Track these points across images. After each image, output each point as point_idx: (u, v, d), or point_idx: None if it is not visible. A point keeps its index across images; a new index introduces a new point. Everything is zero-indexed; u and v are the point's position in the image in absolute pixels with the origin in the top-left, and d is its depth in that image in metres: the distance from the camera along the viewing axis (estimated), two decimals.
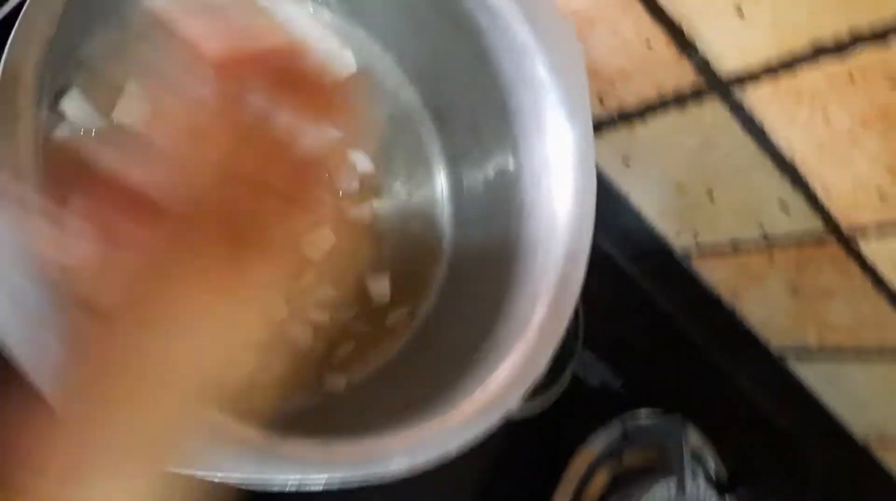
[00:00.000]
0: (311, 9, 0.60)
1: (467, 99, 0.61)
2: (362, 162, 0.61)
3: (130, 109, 0.53)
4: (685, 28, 0.64)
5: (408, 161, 0.64)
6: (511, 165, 0.58)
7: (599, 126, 0.79)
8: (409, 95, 0.64)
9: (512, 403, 0.47)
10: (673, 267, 0.87)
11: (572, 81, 0.54)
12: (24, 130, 0.37)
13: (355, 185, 0.60)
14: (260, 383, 0.31)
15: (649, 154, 0.79)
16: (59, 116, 0.51)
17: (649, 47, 0.68)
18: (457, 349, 0.53)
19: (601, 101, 0.76)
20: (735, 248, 0.84)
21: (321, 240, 0.52)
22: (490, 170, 0.60)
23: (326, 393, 0.54)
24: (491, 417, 0.46)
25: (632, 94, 0.74)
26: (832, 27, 0.57)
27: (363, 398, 0.55)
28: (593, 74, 0.74)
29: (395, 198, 0.63)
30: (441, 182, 0.65)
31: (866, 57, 0.57)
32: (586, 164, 0.55)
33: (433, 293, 0.62)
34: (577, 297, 0.51)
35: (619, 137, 0.79)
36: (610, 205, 0.85)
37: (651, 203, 0.85)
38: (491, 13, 0.54)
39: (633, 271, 0.87)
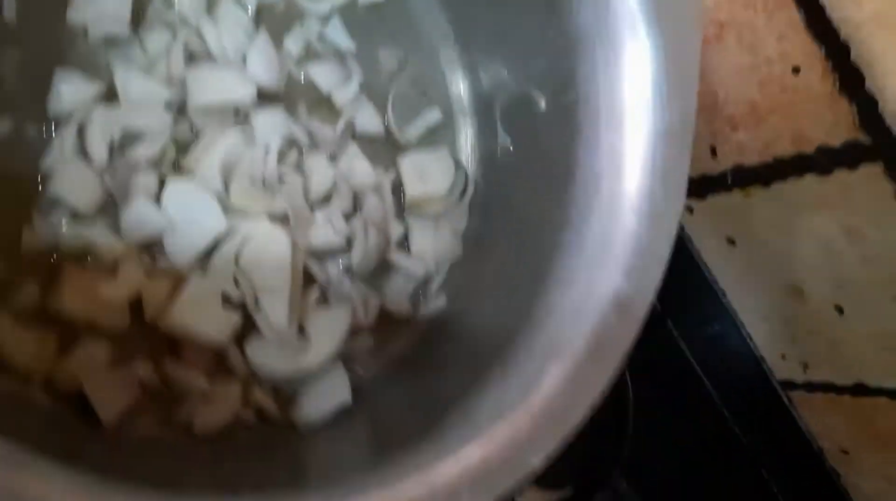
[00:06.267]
0: None
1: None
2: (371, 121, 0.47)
3: None
4: (854, 50, 0.48)
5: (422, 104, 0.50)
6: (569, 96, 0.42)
7: (704, 185, 0.62)
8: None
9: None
10: (766, 398, 0.67)
11: None
12: None
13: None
14: None
15: (764, 235, 0.61)
16: None
17: (796, 74, 0.52)
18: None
19: (713, 150, 0.60)
20: (859, 393, 0.63)
21: None
22: (531, 105, 0.45)
23: None
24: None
25: (757, 143, 0.57)
26: None
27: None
28: (710, 106, 0.58)
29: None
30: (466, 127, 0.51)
31: None
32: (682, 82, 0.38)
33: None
34: (663, 271, 0.37)
35: (728, 205, 0.62)
36: (698, 299, 0.68)
37: (754, 306, 0.67)
38: None
39: (713, 393, 0.68)
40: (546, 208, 0.43)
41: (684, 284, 0.70)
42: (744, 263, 0.65)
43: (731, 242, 0.64)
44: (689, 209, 0.66)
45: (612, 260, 0.36)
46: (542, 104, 0.45)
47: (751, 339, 0.69)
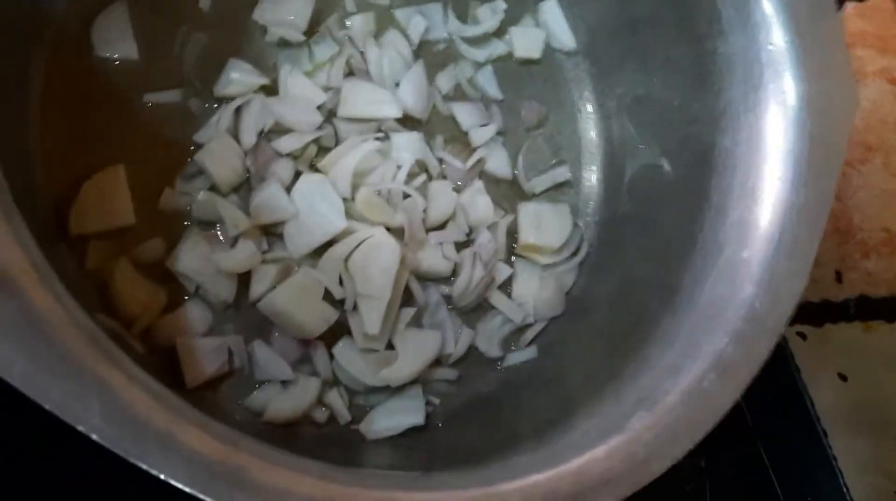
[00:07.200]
0: None
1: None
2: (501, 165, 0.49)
3: None
4: None
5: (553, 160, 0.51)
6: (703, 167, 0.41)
7: (824, 312, 0.59)
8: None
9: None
10: None
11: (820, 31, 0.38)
12: None
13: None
14: None
15: (880, 376, 0.57)
16: None
17: None
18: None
19: (838, 276, 0.57)
20: None
21: None
22: (660, 174, 0.45)
23: None
24: None
25: (888, 275, 0.54)
26: None
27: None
28: (843, 229, 0.56)
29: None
30: (591, 189, 0.51)
31: None
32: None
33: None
34: (776, 340, 0.34)
35: (846, 337, 0.58)
36: (798, 434, 0.63)
37: (857, 454, 0.61)
38: None
39: None
40: (659, 272, 0.41)
41: (785, 414, 0.66)
42: (853, 403, 0.60)
43: (843, 378, 0.60)
44: (803, 336, 0.62)
45: (720, 325, 0.35)
46: (673, 172, 0.44)
47: (847, 491, 0.63)
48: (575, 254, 0.49)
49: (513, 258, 0.49)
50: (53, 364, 0.25)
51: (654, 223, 0.45)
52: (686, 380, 0.34)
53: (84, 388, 0.25)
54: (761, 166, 0.38)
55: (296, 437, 0.41)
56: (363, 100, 0.45)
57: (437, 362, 0.45)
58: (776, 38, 0.39)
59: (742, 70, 0.40)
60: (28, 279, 0.25)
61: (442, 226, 0.46)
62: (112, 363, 0.26)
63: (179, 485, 0.24)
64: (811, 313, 0.61)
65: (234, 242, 0.42)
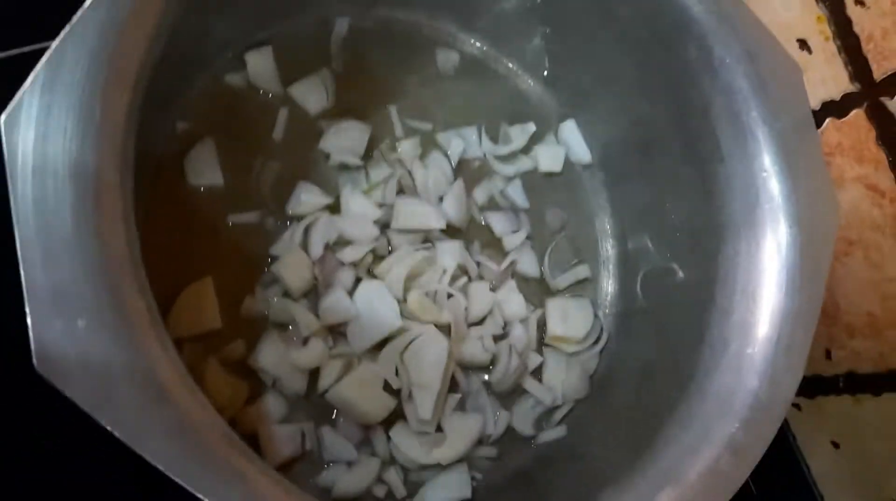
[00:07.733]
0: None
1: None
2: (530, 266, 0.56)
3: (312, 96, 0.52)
4: None
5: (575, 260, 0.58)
6: (708, 272, 0.47)
7: (815, 385, 0.65)
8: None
9: None
10: None
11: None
12: None
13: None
14: None
15: (870, 444, 0.63)
16: (240, 64, 0.52)
17: None
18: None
19: (828, 354, 0.63)
20: None
21: None
22: (670, 275, 0.51)
23: None
24: None
25: (873, 353, 0.61)
26: None
27: None
28: (831, 313, 0.62)
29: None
30: (608, 285, 0.57)
31: None
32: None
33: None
34: (780, 423, 0.40)
35: (836, 408, 0.64)
36: (795, 499, 0.68)
37: None
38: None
39: None
40: (672, 362, 0.47)
41: (783, 480, 0.70)
42: (846, 469, 0.65)
43: (836, 445, 0.65)
44: (797, 407, 0.68)
45: (731, 412, 0.40)
46: (681, 275, 0.51)
47: None
48: (596, 342, 0.55)
49: (543, 348, 0.55)
50: (205, 461, 0.30)
51: (665, 318, 0.51)
52: (704, 460, 0.39)
53: (229, 480, 0.31)
54: (760, 275, 0.44)
55: None
56: (412, 214, 0.52)
57: (480, 441, 0.51)
58: (768, 165, 0.45)
59: (740, 191, 0.46)
60: (180, 391, 0.31)
61: (481, 321, 0.53)
62: (245, 456, 0.32)
63: None
64: (805, 386, 0.66)
65: (305, 341, 0.48)
